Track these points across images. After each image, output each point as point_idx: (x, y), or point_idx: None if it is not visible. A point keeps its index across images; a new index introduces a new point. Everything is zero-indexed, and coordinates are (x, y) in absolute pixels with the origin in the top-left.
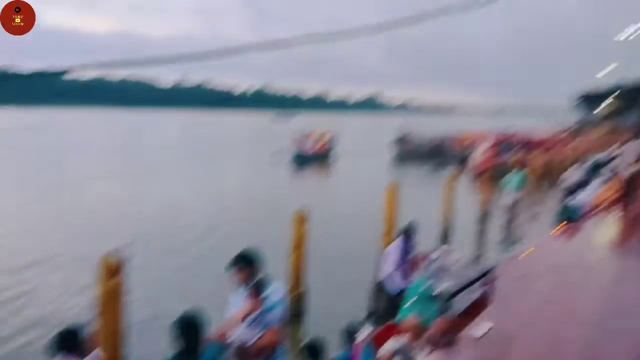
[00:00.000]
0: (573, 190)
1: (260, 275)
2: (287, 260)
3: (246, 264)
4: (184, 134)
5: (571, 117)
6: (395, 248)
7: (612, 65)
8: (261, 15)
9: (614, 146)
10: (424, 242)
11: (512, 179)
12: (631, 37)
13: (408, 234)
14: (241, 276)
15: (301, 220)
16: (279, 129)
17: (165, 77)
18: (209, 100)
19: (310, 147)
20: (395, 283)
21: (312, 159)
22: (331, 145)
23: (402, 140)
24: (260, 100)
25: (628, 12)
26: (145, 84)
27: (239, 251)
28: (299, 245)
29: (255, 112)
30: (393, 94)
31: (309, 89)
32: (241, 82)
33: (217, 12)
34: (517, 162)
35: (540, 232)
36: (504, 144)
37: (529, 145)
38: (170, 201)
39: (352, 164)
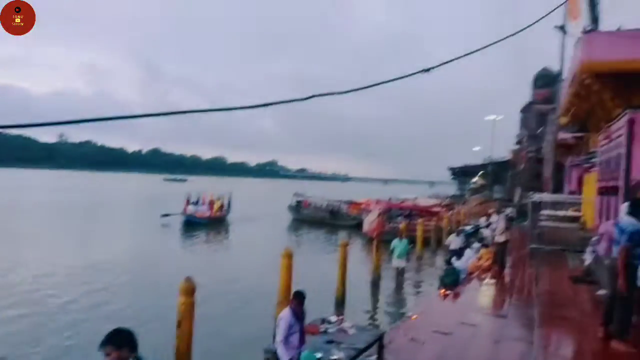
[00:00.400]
0: (454, 256)
1: (134, 357)
2: (173, 334)
3: (116, 345)
4: (65, 195)
5: (449, 189)
6: (286, 316)
7: (481, 146)
8: (154, 75)
9: (485, 217)
10: (319, 307)
11: (399, 246)
12: (497, 119)
13: (299, 301)
14: (111, 358)
15: (188, 290)
16: (171, 191)
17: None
18: (96, 159)
19: (203, 211)
20: (287, 353)
21: (204, 223)
22: (226, 210)
23: (298, 205)
24: (152, 162)
25: (492, 102)
26: (27, 138)
27: (111, 329)
28: (185, 318)
29: (147, 174)
30: (290, 161)
31: (205, 152)
32: (132, 143)
33: (106, 71)
34: (403, 230)
35: (427, 296)
36: (392, 211)
37: (415, 212)
38: (45, 268)
39: (247, 229)
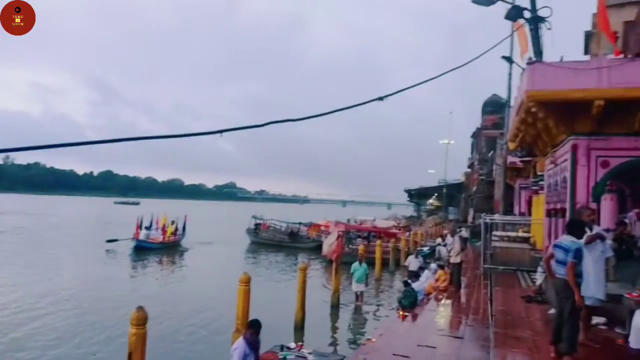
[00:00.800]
0: (412, 277)
1: None
2: None
3: None
4: (7, 219)
5: (406, 210)
6: (240, 346)
7: (435, 169)
8: (107, 96)
9: (441, 237)
10: (278, 333)
11: (358, 270)
12: (450, 143)
13: (254, 330)
14: None
15: (140, 320)
16: (123, 215)
17: None
18: (45, 182)
19: (155, 235)
20: None
21: (157, 248)
22: (180, 234)
23: (257, 228)
24: (105, 184)
25: (445, 126)
26: None
27: None
28: (137, 349)
29: (99, 197)
30: (249, 183)
31: (161, 175)
32: (83, 165)
33: (57, 91)
34: (363, 253)
35: (386, 318)
36: (351, 232)
37: (373, 233)
38: None
39: (203, 253)
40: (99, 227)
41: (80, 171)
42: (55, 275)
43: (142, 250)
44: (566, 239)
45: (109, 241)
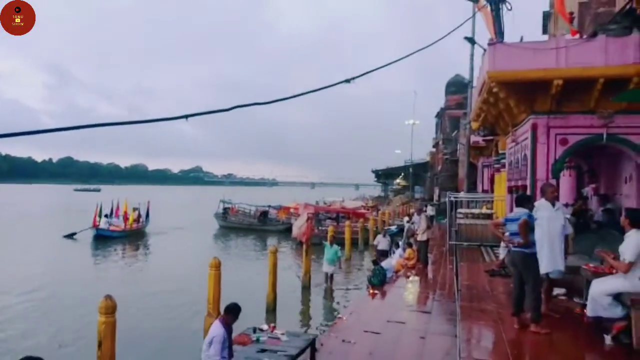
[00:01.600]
0: (381, 256)
1: None
2: (94, 356)
3: None
4: None
5: (374, 190)
6: (220, 332)
7: (401, 149)
8: (63, 80)
9: (408, 216)
10: (250, 316)
11: (328, 251)
12: (415, 123)
13: (234, 315)
14: None
15: (108, 308)
16: (83, 202)
17: None
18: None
19: (116, 223)
20: None
21: (118, 236)
22: (144, 221)
23: (225, 212)
24: (64, 171)
25: (410, 106)
26: None
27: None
28: (107, 337)
29: (59, 184)
30: (216, 167)
31: (124, 160)
32: (42, 152)
33: (7, 75)
34: (332, 234)
35: (356, 296)
36: (321, 214)
37: (342, 214)
38: None
39: (170, 240)
40: (57, 216)
41: (38, 158)
42: (13, 269)
43: (102, 239)
44: (517, 210)
45: (66, 236)
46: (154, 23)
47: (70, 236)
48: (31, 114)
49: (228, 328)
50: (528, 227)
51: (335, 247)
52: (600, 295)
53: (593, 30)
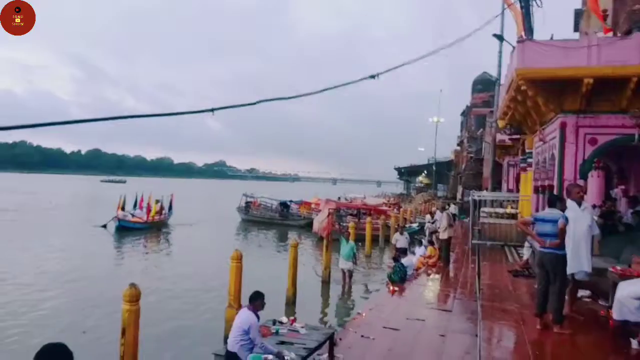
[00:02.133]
0: (402, 252)
1: None
2: (118, 344)
3: None
4: None
5: (396, 188)
6: (254, 320)
7: (425, 147)
8: (92, 75)
9: (430, 214)
10: (270, 308)
11: (344, 247)
12: (440, 121)
13: (262, 302)
14: None
15: (132, 296)
16: (109, 194)
17: None
18: (31, 161)
19: (139, 215)
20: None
21: (141, 228)
22: (167, 213)
23: (247, 206)
24: (92, 163)
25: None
26: None
27: (41, 346)
28: (130, 325)
29: (87, 175)
30: (239, 161)
31: (150, 153)
32: (71, 143)
33: (41, 70)
34: (351, 231)
35: (376, 293)
36: (342, 210)
37: (363, 211)
38: None
39: (193, 232)
40: (84, 206)
41: (67, 150)
42: (34, 255)
43: (125, 230)
44: (551, 212)
45: (102, 226)
46: (179, 24)
47: (104, 226)
48: (62, 105)
49: (258, 315)
50: (565, 230)
51: (352, 243)
52: (627, 299)
53: (628, 28)
